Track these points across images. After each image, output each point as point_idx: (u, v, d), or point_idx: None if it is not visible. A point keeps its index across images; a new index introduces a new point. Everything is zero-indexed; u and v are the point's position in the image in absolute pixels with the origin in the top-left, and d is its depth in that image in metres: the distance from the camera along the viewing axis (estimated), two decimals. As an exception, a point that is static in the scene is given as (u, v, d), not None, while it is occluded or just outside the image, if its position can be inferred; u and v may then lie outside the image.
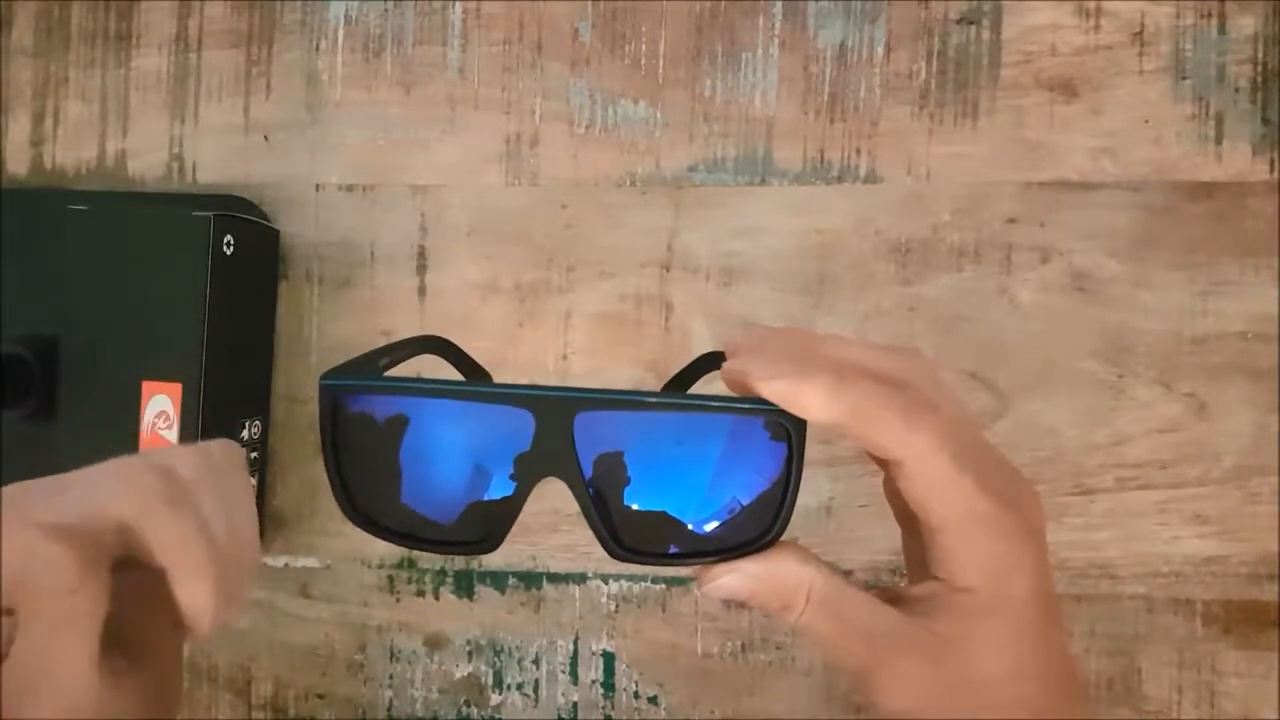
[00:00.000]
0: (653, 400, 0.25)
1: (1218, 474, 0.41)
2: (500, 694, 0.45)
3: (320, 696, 0.46)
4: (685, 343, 0.44)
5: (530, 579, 0.45)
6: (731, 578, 0.25)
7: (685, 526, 0.26)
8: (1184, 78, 0.42)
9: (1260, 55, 0.42)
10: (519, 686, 0.45)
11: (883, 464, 0.26)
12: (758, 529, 0.26)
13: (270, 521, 0.45)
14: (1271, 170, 0.41)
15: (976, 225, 0.43)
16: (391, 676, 0.45)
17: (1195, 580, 0.41)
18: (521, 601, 0.45)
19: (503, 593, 0.45)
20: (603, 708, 0.44)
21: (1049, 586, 0.25)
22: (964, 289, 0.43)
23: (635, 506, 0.26)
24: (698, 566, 0.26)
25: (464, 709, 0.45)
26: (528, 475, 0.26)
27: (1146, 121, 0.42)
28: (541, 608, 0.45)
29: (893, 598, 0.26)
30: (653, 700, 0.44)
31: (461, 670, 0.45)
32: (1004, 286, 0.42)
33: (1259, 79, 0.41)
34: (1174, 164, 0.42)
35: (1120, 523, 0.42)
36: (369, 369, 0.29)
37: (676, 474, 0.26)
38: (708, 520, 0.26)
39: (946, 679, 0.24)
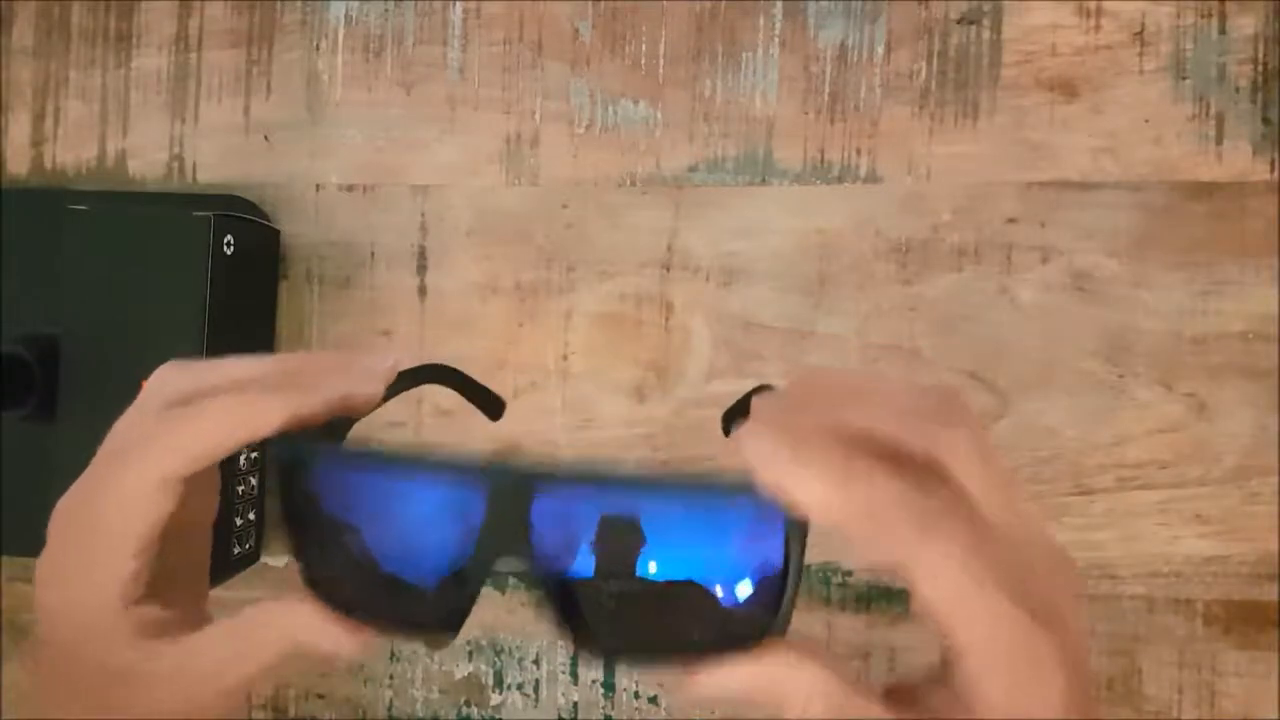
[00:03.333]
0: (625, 477, 0.23)
1: (1218, 474, 0.41)
2: (501, 694, 0.45)
3: (320, 696, 0.46)
4: (685, 343, 0.44)
5: (530, 579, 0.44)
6: (721, 680, 0.23)
7: (669, 623, 0.24)
8: (1184, 78, 0.42)
9: (1260, 55, 0.42)
10: (519, 686, 0.45)
11: None
12: (750, 627, 0.23)
13: (270, 521, 0.45)
14: (1271, 170, 0.41)
15: (977, 225, 0.43)
16: (392, 676, 0.45)
17: (1195, 580, 0.41)
18: (521, 601, 0.45)
19: (503, 593, 0.45)
20: (603, 708, 0.44)
21: (1080, 696, 0.22)
22: (964, 289, 0.43)
23: (611, 599, 0.23)
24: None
25: (464, 709, 0.45)
26: (483, 555, 0.23)
27: (1147, 121, 0.42)
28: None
29: (907, 697, 0.23)
30: (653, 700, 0.44)
31: (462, 670, 0.45)
32: (1004, 286, 0.42)
33: (1259, 79, 0.41)
34: (1174, 164, 0.42)
35: (1120, 523, 0.42)
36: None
37: (660, 561, 0.23)
38: (696, 614, 0.23)
39: None
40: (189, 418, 0.24)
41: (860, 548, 0.21)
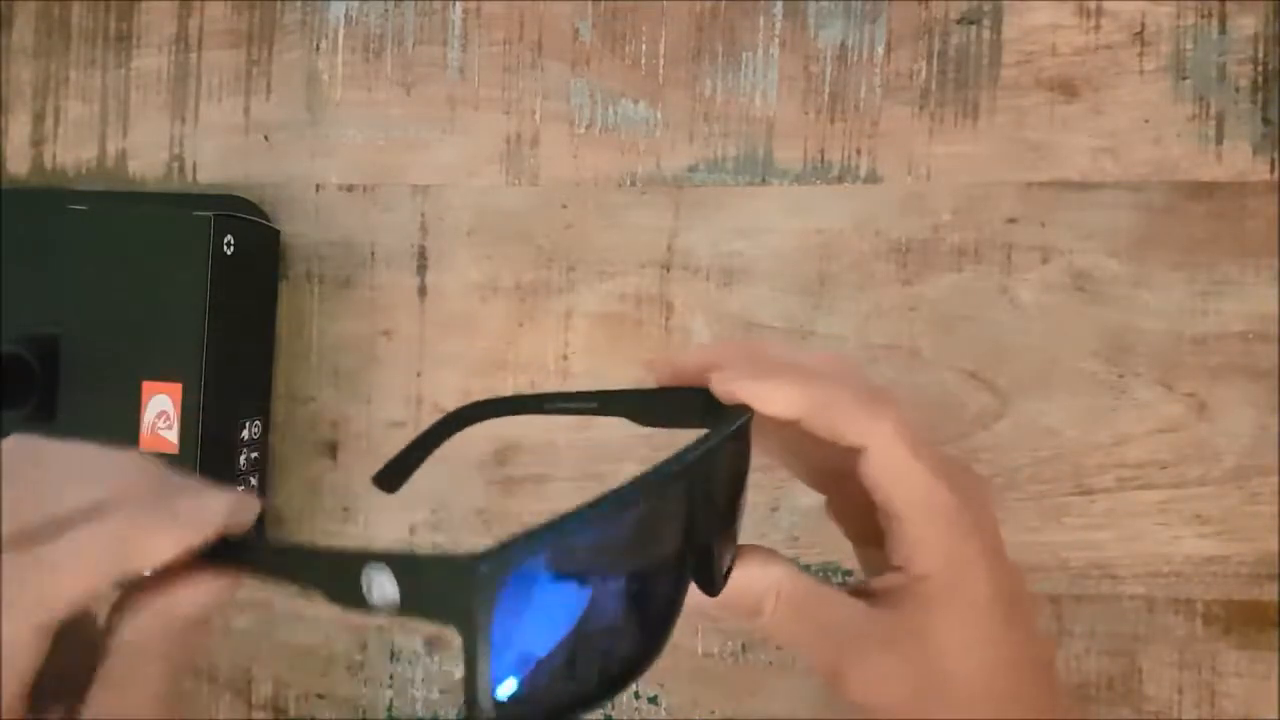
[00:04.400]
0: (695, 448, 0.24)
1: (1218, 474, 0.41)
2: (500, 694, 0.45)
3: (320, 696, 0.46)
4: (685, 343, 0.44)
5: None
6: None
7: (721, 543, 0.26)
8: (1184, 78, 0.42)
9: (1260, 55, 0.42)
10: (519, 686, 0.45)
11: (831, 484, 0.28)
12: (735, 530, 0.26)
13: (270, 521, 0.45)
14: (1272, 170, 0.41)
15: (977, 225, 0.43)
16: (392, 676, 0.45)
17: (1196, 580, 0.41)
18: (522, 601, 0.45)
19: (503, 593, 0.45)
20: (603, 707, 0.44)
21: (1010, 581, 0.25)
22: (964, 289, 0.43)
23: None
24: None
25: (464, 709, 0.45)
26: (700, 538, 0.24)
27: (1147, 121, 0.42)
28: (542, 608, 0.45)
29: (858, 592, 0.26)
30: (653, 700, 0.44)
31: (462, 670, 0.45)
32: (1004, 286, 0.42)
33: (1259, 79, 0.41)
34: (1174, 164, 0.42)
35: (1120, 523, 0.42)
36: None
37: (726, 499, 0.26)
38: (729, 534, 0.26)
39: (915, 671, 0.24)
40: (50, 562, 0.20)
41: (822, 433, 0.25)
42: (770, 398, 0.25)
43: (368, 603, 0.20)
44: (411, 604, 0.19)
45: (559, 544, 0.20)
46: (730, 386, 0.26)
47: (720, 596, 0.25)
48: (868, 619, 0.25)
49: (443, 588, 0.19)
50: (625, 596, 0.22)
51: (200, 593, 0.21)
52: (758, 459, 0.27)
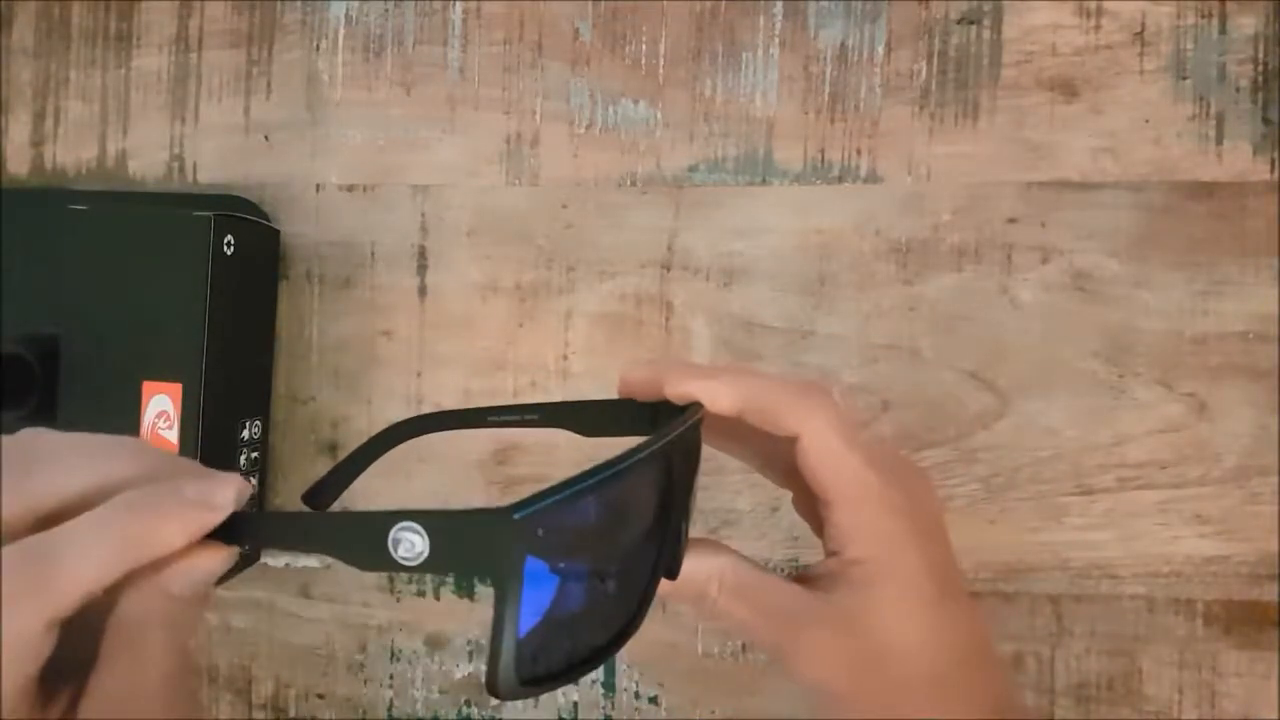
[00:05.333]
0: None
1: (1218, 474, 0.41)
2: (500, 694, 0.45)
3: (320, 696, 0.46)
4: (685, 343, 0.44)
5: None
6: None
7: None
8: (1184, 78, 0.42)
9: (1260, 55, 0.42)
10: (519, 686, 0.45)
11: (789, 480, 0.29)
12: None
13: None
14: (1272, 170, 0.41)
15: (977, 225, 0.43)
16: (392, 676, 0.45)
17: (1196, 580, 0.41)
18: (522, 601, 0.45)
19: (503, 593, 0.45)
20: (603, 708, 0.44)
21: (946, 563, 0.27)
22: (964, 289, 0.43)
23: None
24: None
25: (464, 709, 0.45)
26: (684, 491, 0.26)
27: (1147, 121, 0.42)
28: (542, 608, 0.45)
29: (799, 578, 0.28)
30: (653, 700, 0.44)
31: (462, 670, 0.45)
32: (1004, 286, 0.42)
33: (1259, 79, 0.41)
34: (1174, 164, 0.42)
35: (1120, 523, 0.42)
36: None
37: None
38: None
39: (853, 649, 0.26)
40: (60, 553, 0.20)
41: (762, 424, 0.27)
42: (716, 392, 0.27)
43: (394, 561, 0.20)
44: (442, 558, 0.20)
45: (578, 500, 0.21)
46: (682, 387, 0.28)
47: (671, 584, 0.27)
48: (806, 601, 0.26)
49: (475, 540, 0.20)
50: (624, 556, 0.24)
51: (199, 567, 0.21)
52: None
